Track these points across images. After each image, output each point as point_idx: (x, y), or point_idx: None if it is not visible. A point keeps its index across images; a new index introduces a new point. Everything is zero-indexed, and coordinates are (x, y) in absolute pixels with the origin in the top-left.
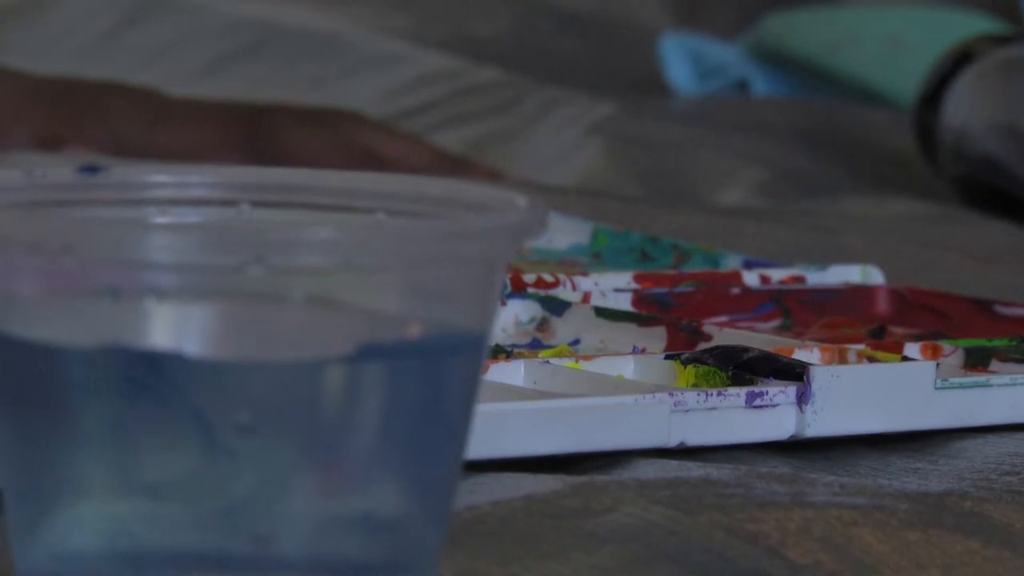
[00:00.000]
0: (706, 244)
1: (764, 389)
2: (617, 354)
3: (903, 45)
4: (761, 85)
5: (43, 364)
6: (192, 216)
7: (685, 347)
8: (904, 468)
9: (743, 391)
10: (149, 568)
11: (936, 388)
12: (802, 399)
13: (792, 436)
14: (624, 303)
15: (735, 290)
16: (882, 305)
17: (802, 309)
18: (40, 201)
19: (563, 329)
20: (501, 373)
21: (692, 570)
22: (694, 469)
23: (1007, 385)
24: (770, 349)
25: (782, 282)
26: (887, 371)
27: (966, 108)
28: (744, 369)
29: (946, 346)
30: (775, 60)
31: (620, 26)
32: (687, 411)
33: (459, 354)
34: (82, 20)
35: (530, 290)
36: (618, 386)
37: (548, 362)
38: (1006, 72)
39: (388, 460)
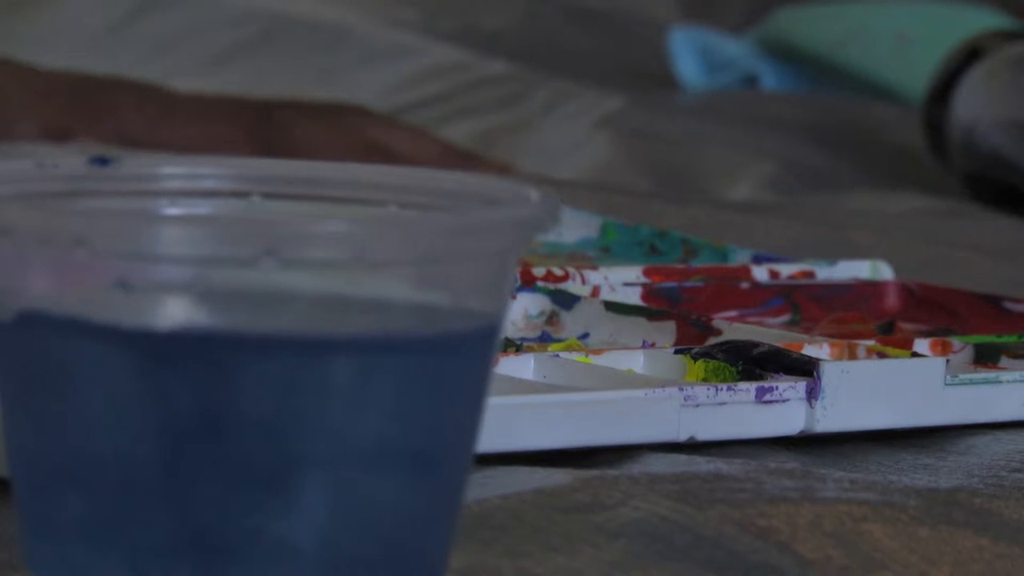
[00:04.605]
0: (715, 238)
1: (774, 384)
2: (627, 348)
3: (912, 40)
4: (770, 80)
5: (53, 353)
6: (203, 207)
7: (695, 342)
8: (914, 464)
9: (753, 386)
10: (158, 561)
11: (946, 384)
12: (812, 395)
13: (802, 431)
14: (634, 297)
15: (744, 285)
16: (891, 301)
17: (811, 304)
18: (51, 192)
19: (572, 323)
20: (511, 367)
21: (702, 564)
22: (704, 464)
23: (1017, 381)
24: (780, 344)
25: (791, 277)
26: (897, 367)
27: (975, 104)
28: (754, 364)
29: (955, 342)
30: (784, 55)
31: (629, 20)
32: (697, 406)
33: (471, 348)
34: (89, 12)
35: (539, 284)
36: (628, 380)
37: (558, 356)
38: (1015, 68)
39: (399, 453)
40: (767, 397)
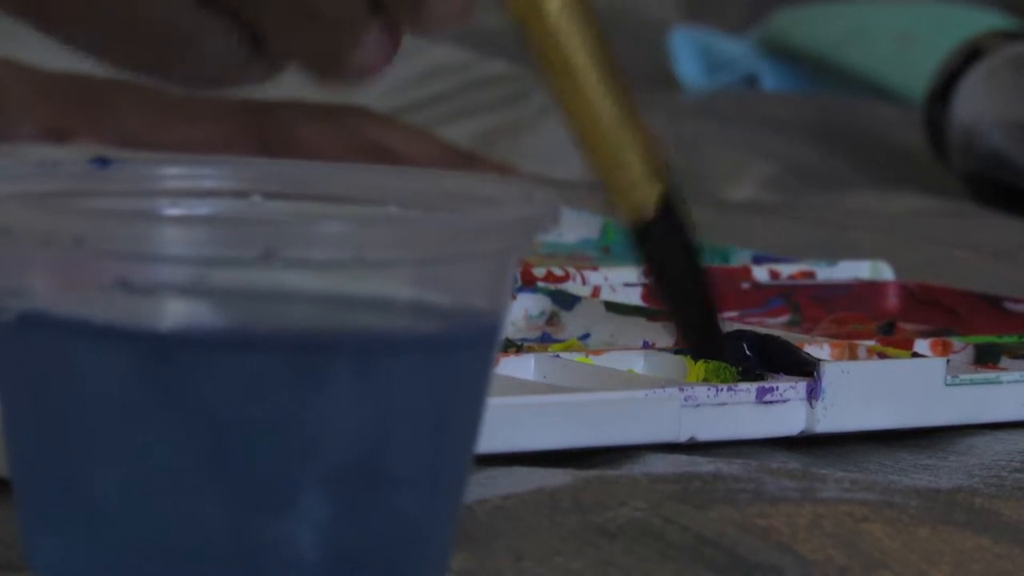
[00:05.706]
0: (715, 239)
1: (774, 385)
2: (627, 349)
3: (913, 40)
4: (770, 80)
5: (53, 353)
6: (203, 208)
7: None
8: (914, 464)
9: (753, 386)
10: (158, 564)
11: (946, 384)
12: (812, 395)
13: (802, 432)
14: (634, 298)
15: (745, 285)
16: (892, 301)
17: (812, 304)
18: (52, 192)
19: (573, 323)
20: (511, 367)
21: (702, 565)
22: (704, 464)
23: (1017, 381)
24: None
25: (792, 277)
26: (897, 367)
27: (976, 104)
28: (762, 354)
29: (956, 342)
30: (784, 55)
31: (629, 20)
32: (697, 406)
33: (471, 347)
34: None
35: (540, 284)
36: (628, 380)
37: (558, 356)
38: (1015, 68)
39: (399, 453)
40: (768, 397)
